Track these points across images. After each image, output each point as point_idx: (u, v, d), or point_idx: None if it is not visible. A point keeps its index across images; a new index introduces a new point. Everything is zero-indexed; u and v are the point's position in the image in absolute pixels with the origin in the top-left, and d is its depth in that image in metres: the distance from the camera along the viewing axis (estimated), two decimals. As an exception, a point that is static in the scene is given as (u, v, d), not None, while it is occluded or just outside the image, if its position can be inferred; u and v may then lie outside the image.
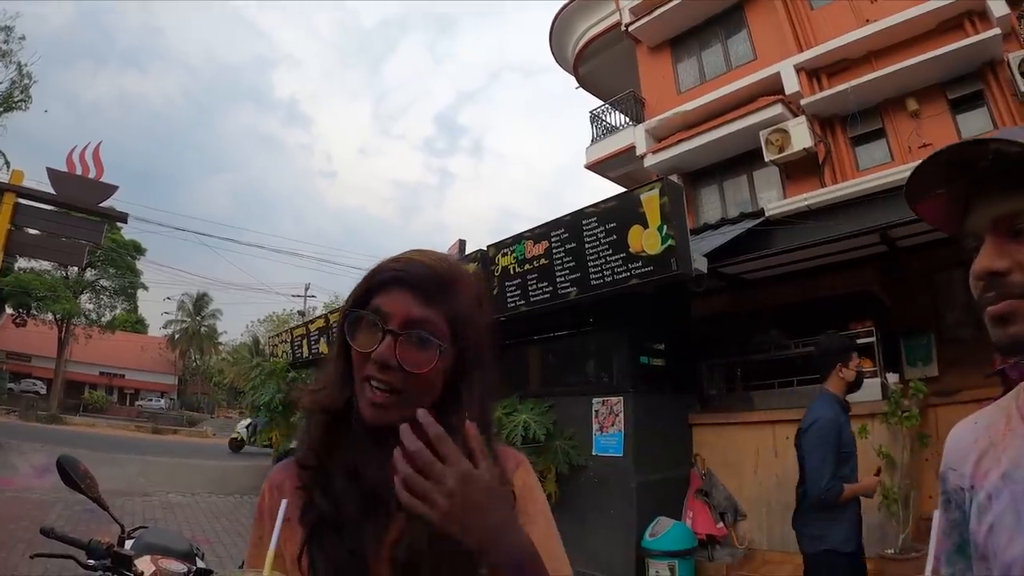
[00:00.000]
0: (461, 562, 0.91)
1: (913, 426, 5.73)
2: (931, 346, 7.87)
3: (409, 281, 1.01)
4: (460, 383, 1.05)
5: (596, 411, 6.95)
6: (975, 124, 9.67)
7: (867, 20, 10.63)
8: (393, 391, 0.98)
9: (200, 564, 2.67)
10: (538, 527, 1.03)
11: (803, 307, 7.47)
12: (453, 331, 1.03)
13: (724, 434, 7.10)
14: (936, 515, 0.94)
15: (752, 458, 6.86)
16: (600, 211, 6.46)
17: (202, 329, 53.17)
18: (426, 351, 0.99)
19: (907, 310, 7.30)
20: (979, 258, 0.85)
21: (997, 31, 9.33)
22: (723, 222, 7.45)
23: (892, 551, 5.48)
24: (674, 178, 10.78)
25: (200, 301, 52.73)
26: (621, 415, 6.73)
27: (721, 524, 6.68)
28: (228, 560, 6.71)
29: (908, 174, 0.91)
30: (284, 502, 0.95)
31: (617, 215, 6.27)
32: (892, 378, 6.80)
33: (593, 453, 6.87)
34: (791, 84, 10.73)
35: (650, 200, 5.97)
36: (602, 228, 6.36)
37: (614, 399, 6.81)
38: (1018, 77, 8.78)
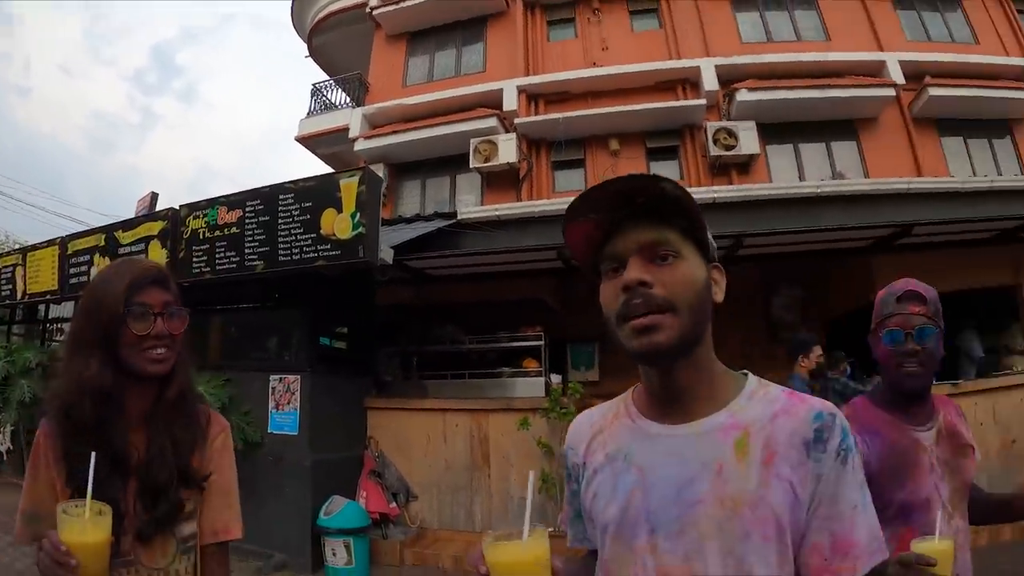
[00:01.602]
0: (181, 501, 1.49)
1: (569, 421, 6.37)
2: (594, 354, 8.94)
3: (158, 279, 1.51)
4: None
5: (273, 388, 6.88)
6: (665, 172, 10.76)
7: (595, 63, 11.69)
8: (168, 350, 1.49)
9: None
10: (223, 478, 1.60)
11: (483, 307, 8.00)
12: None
13: (398, 419, 7.37)
14: (531, 479, 1.12)
15: (423, 443, 7.24)
16: (298, 188, 6.44)
17: None
18: (180, 319, 1.53)
19: (576, 321, 8.09)
20: (629, 272, 1.01)
21: (703, 102, 10.82)
22: (417, 218, 7.72)
23: (552, 529, 6.10)
24: (380, 167, 11.00)
25: None
26: (298, 394, 6.73)
27: (393, 504, 6.95)
28: None
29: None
30: (94, 455, 1.30)
31: (314, 195, 6.30)
32: (556, 379, 7.53)
33: (269, 431, 6.80)
34: (511, 102, 11.28)
35: (348, 186, 6.07)
36: (298, 206, 6.34)
37: (291, 377, 6.79)
38: (710, 143, 10.20)
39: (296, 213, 6.33)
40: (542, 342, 7.59)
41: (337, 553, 6.20)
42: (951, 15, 12.33)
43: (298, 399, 6.73)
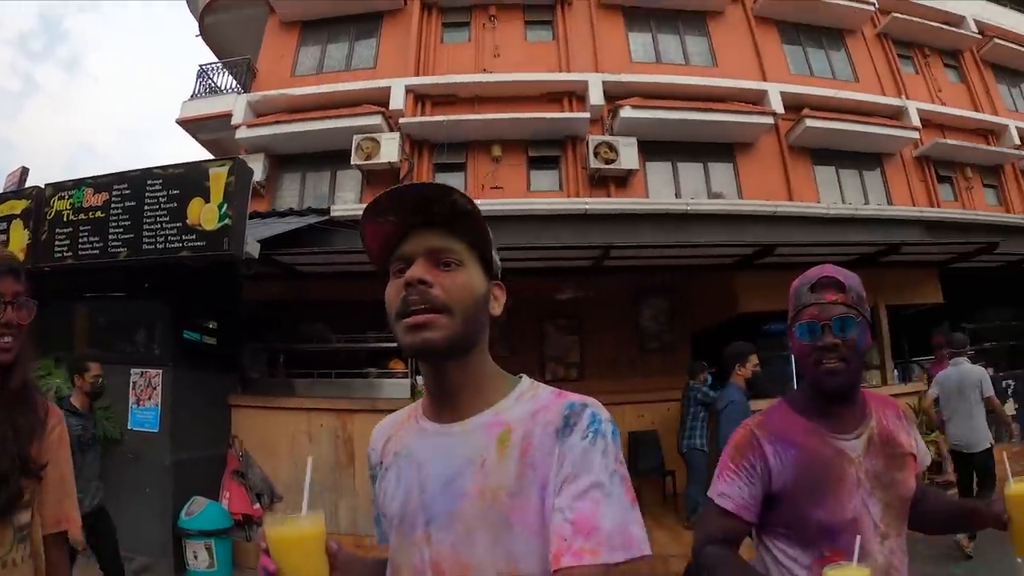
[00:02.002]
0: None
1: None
2: (466, 357, 9.05)
3: (12, 269, 1.56)
4: None
5: (134, 383, 6.66)
6: (544, 181, 11.32)
7: (485, 69, 11.78)
8: (14, 340, 1.53)
9: None
10: (60, 469, 1.65)
11: (352, 306, 7.94)
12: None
13: (262, 417, 7.26)
14: (309, 463, 1.20)
15: (288, 442, 7.15)
16: (167, 175, 6.30)
17: None
18: (28, 310, 1.58)
19: (443, 324, 8.16)
20: (413, 269, 1.07)
21: (587, 115, 11.13)
22: (291, 212, 7.62)
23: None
24: (261, 157, 10.79)
25: None
26: (159, 389, 6.57)
27: (257, 505, 6.84)
28: None
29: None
30: None
31: (183, 183, 6.18)
32: (421, 380, 7.57)
33: (129, 427, 6.58)
34: (397, 101, 11.18)
35: (218, 176, 6.01)
36: (165, 193, 6.20)
37: (153, 371, 6.61)
38: (591, 155, 10.51)
39: (163, 200, 6.18)
40: (406, 344, 7.61)
41: (199, 556, 6.09)
42: (835, 53, 13.28)
43: (160, 394, 6.57)
